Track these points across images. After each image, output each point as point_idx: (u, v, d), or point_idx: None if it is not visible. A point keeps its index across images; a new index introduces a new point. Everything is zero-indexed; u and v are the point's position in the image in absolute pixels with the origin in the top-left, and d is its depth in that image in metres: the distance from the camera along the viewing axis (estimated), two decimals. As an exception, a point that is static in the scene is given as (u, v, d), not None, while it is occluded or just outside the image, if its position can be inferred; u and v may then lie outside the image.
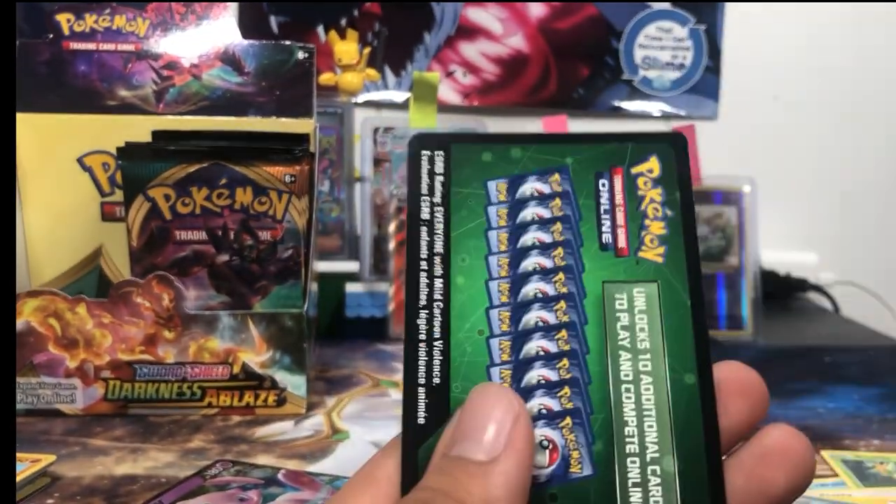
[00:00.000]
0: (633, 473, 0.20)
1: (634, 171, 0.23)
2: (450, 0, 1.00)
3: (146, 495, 0.38)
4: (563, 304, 0.22)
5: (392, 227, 0.71)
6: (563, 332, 0.22)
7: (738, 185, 0.76)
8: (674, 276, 0.22)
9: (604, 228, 0.23)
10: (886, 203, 1.08)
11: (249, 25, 0.95)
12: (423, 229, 0.23)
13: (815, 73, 1.06)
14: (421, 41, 1.02)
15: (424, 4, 1.00)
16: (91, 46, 0.54)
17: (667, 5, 1.03)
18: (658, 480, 0.20)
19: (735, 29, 1.04)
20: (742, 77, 1.05)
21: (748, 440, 0.22)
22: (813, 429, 0.51)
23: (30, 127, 0.52)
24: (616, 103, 1.05)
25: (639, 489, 0.20)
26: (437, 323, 0.22)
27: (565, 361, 0.22)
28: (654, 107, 1.05)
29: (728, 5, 1.04)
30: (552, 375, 0.21)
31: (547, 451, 0.21)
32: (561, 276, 0.22)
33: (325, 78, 0.81)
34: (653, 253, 0.23)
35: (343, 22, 0.98)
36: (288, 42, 0.56)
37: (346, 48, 0.82)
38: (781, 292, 0.96)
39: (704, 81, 1.05)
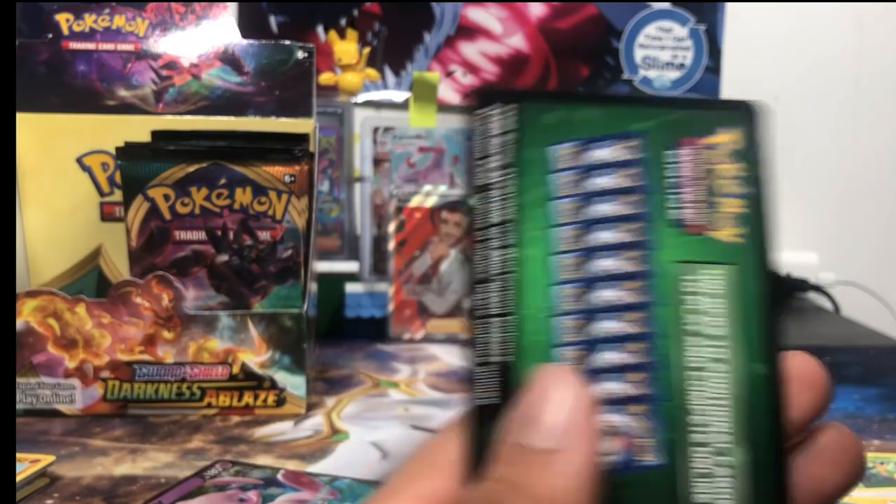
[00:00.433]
0: (701, 463, 0.19)
1: (711, 141, 0.21)
2: (449, 0, 1.00)
3: (145, 496, 0.38)
4: (633, 282, 0.20)
5: (392, 227, 0.71)
6: (634, 314, 0.20)
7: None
8: (751, 258, 0.21)
9: (678, 203, 0.21)
10: (886, 203, 1.08)
11: (249, 25, 0.95)
12: (489, 194, 0.21)
13: (815, 74, 1.06)
14: (421, 41, 1.01)
15: (424, 4, 1.00)
16: (90, 46, 0.54)
17: (667, 5, 1.03)
18: (726, 472, 0.19)
19: (735, 29, 1.04)
20: (742, 77, 1.05)
21: (806, 436, 0.21)
22: (813, 429, 0.51)
23: (29, 127, 0.52)
24: (616, 103, 1.05)
25: (706, 480, 0.19)
26: (504, 296, 0.20)
27: (635, 344, 0.20)
28: (654, 107, 1.05)
29: (728, 5, 1.04)
30: (620, 358, 0.20)
31: (614, 438, 0.20)
32: (632, 252, 0.21)
33: (325, 78, 0.81)
34: (730, 233, 0.21)
35: (343, 22, 0.98)
36: (287, 42, 0.56)
37: (346, 48, 0.82)
38: (781, 292, 0.96)
39: (704, 81, 1.05)
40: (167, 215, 0.49)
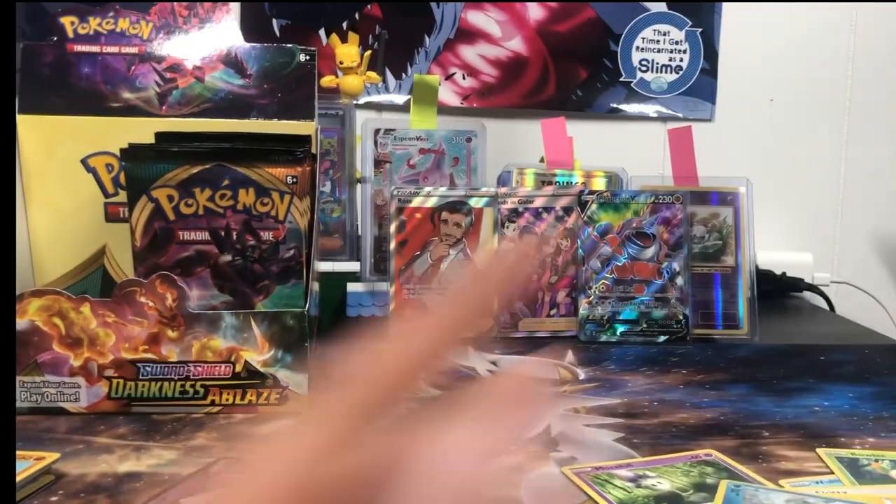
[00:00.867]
0: None
1: None
2: (449, 0, 1.01)
3: (150, 493, 0.39)
4: None
5: (392, 228, 0.71)
6: None
7: (734, 186, 0.77)
8: None
9: None
10: (880, 203, 1.09)
11: (251, 28, 0.96)
12: None
13: (811, 75, 1.07)
14: (421, 44, 1.02)
15: (424, 7, 1.01)
16: (95, 49, 0.55)
17: (664, 8, 1.04)
18: None
19: (731, 32, 1.05)
20: (738, 79, 1.06)
21: None
22: (808, 427, 0.51)
23: (34, 128, 0.53)
24: (614, 105, 1.05)
25: None
26: None
27: None
28: (652, 109, 1.06)
29: (725, 8, 1.04)
30: None
31: None
32: None
33: (327, 80, 0.82)
34: None
35: (344, 25, 0.99)
36: (290, 45, 0.57)
37: (348, 51, 0.83)
38: (777, 292, 0.97)
39: (701, 83, 1.06)
40: (171, 216, 0.50)
